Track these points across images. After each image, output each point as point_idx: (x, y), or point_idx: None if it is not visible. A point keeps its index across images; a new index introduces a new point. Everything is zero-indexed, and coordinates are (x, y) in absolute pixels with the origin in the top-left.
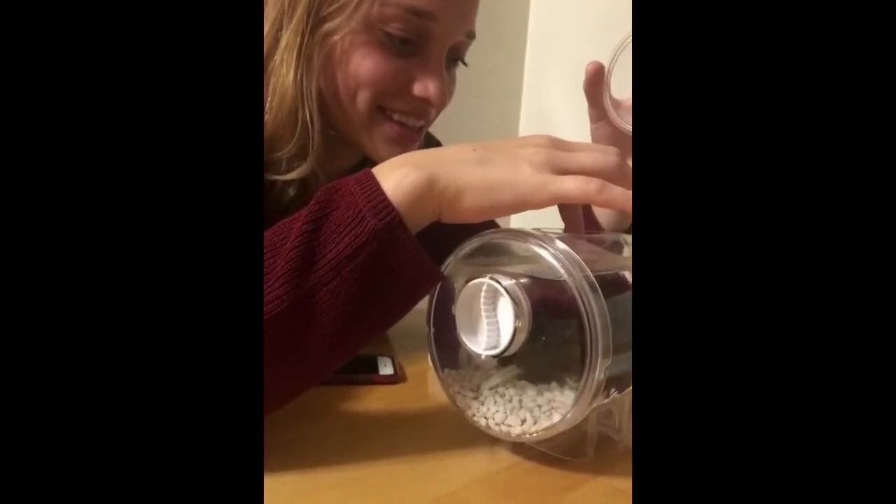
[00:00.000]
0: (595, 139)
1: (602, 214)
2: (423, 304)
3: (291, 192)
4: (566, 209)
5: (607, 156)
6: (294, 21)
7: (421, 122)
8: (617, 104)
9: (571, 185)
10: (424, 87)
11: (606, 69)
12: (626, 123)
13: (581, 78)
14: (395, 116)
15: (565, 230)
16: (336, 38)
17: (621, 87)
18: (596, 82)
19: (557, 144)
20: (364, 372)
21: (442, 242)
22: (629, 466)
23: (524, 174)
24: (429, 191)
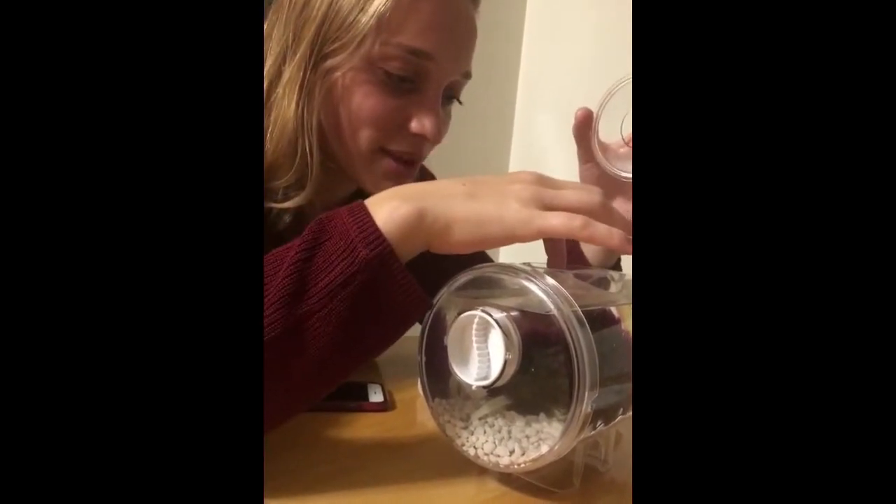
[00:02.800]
0: (583, 179)
1: (589, 250)
2: (415, 331)
3: (287, 219)
4: (551, 243)
5: (591, 194)
6: (297, 56)
7: (417, 157)
8: (605, 148)
9: (556, 222)
10: (421, 124)
11: (595, 114)
12: (613, 167)
13: (570, 116)
14: (393, 153)
15: (548, 263)
16: (337, 74)
17: (610, 131)
18: (585, 127)
19: (543, 181)
20: (353, 399)
21: (434, 272)
22: (615, 498)
23: (512, 209)
24: (419, 223)
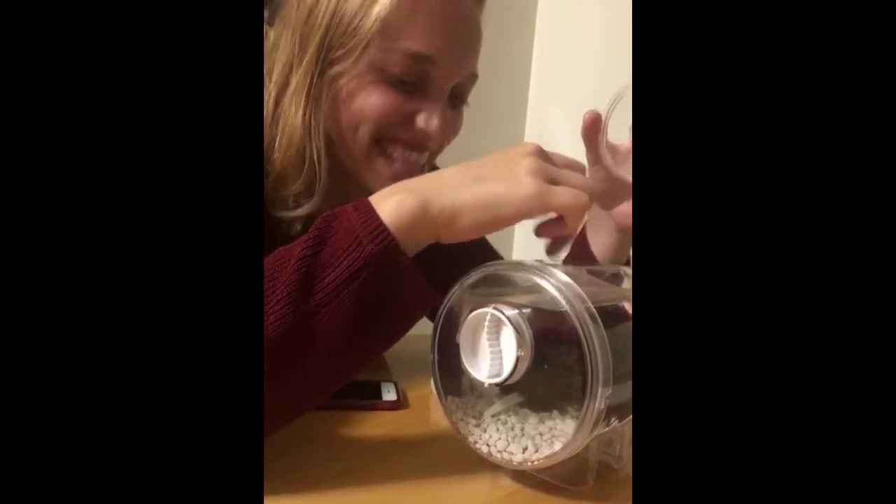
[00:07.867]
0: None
1: (602, 246)
2: (427, 329)
3: (298, 227)
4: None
5: (590, 182)
6: (304, 64)
7: (421, 157)
8: (614, 150)
9: (567, 197)
10: (426, 120)
11: (604, 117)
12: (620, 170)
13: (582, 114)
14: (396, 153)
15: (549, 246)
16: (343, 80)
17: (618, 134)
18: (593, 130)
19: (545, 155)
20: (367, 397)
21: (445, 269)
22: (629, 495)
23: (525, 182)
24: (424, 215)
